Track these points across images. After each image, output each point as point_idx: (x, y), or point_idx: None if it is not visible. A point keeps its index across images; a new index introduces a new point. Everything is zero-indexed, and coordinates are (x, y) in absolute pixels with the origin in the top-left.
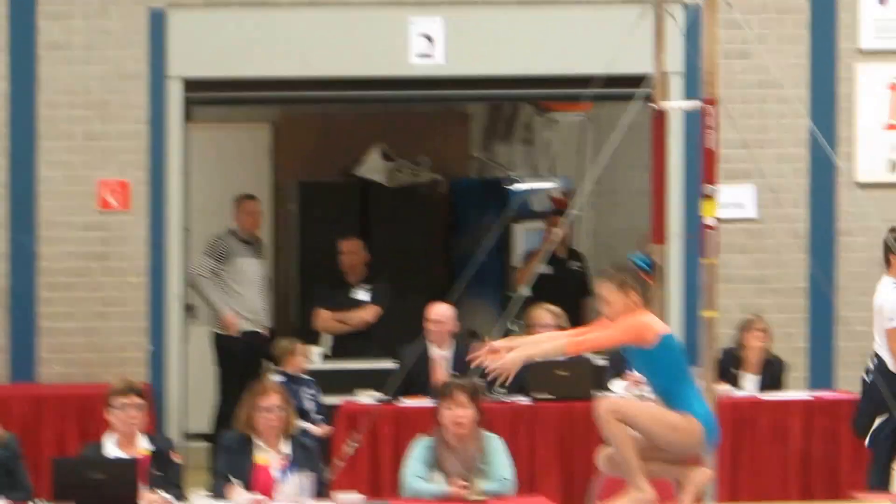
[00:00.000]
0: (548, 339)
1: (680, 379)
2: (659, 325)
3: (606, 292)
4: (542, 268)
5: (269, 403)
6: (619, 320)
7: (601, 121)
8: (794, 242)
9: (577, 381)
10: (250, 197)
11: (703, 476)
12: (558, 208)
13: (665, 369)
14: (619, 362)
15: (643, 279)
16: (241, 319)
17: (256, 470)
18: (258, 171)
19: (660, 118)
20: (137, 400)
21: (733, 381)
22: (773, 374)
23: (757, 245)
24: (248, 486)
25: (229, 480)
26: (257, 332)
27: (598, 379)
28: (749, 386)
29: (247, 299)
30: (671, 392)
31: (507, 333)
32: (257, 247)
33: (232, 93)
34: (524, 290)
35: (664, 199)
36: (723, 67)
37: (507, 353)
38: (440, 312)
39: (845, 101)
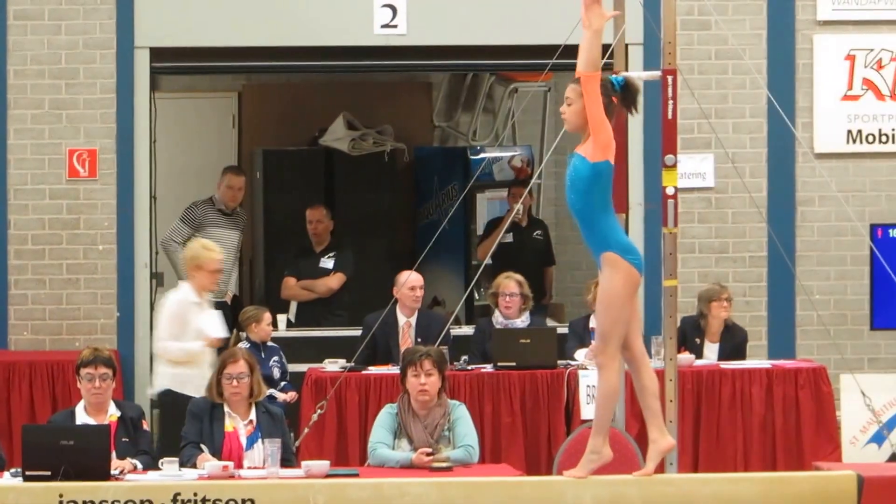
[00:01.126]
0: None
1: (603, 207)
2: (612, 151)
3: (572, 94)
4: (504, 237)
5: (235, 370)
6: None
7: (562, 90)
8: (753, 212)
9: (540, 349)
10: (235, 170)
11: (667, 445)
12: (520, 177)
13: (591, 191)
14: (581, 332)
15: (611, 98)
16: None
17: (225, 437)
18: (224, 139)
19: None
20: (104, 370)
21: (695, 350)
22: (734, 342)
23: (717, 214)
24: (217, 453)
25: (198, 448)
26: (219, 302)
27: (561, 347)
28: (710, 355)
29: None
30: (590, 215)
31: (470, 302)
32: (235, 218)
33: (198, 62)
34: (486, 261)
35: (625, 168)
36: (682, 38)
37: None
38: (414, 280)
39: (803, 72)
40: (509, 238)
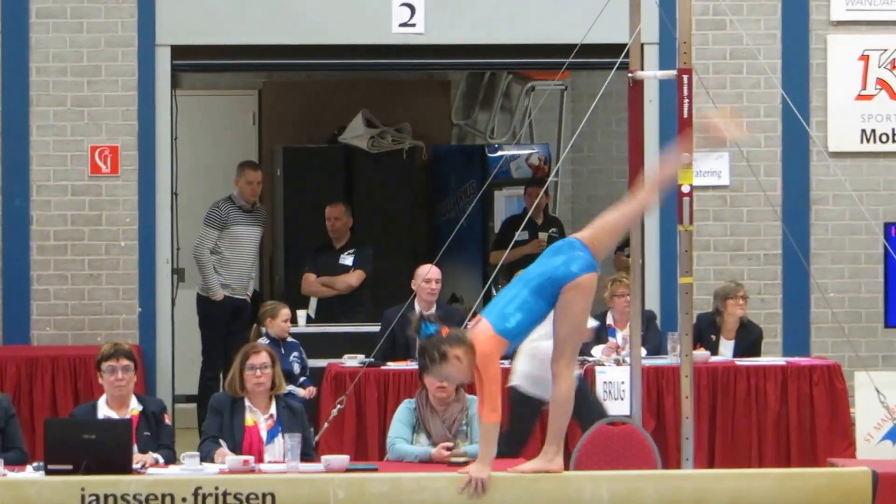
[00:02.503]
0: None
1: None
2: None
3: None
4: (520, 234)
5: (258, 361)
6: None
7: (579, 89)
8: (768, 210)
9: None
10: (252, 165)
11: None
12: (537, 175)
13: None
14: (599, 329)
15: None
16: (227, 288)
17: (245, 431)
18: (244, 136)
19: (636, 87)
20: (126, 362)
21: (711, 347)
22: (749, 339)
23: (731, 212)
24: (238, 447)
25: (218, 442)
26: (241, 298)
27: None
28: (725, 352)
29: (237, 266)
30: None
31: (488, 298)
32: (256, 214)
33: (218, 60)
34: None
35: (641, 166)
36: (697, 37)
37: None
38: (431, 272)
39: (817, 72)
40: (525, 236)
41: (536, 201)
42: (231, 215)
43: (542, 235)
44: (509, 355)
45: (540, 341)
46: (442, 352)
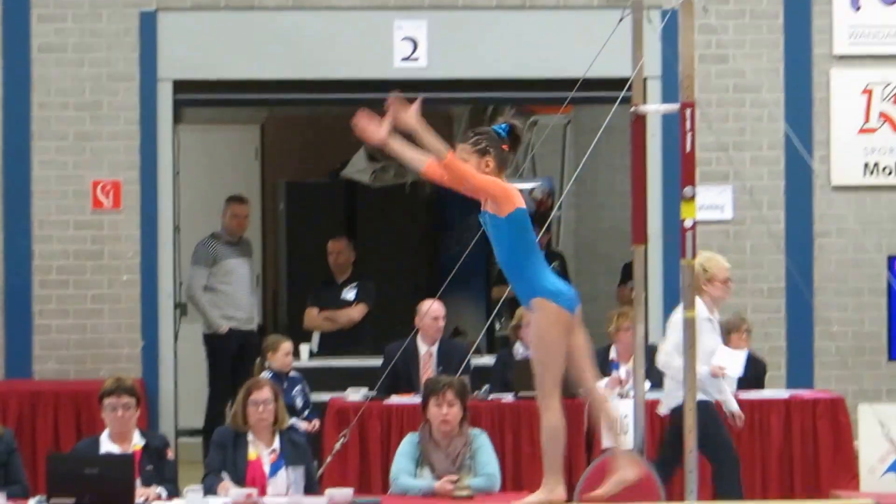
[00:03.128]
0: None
1: (527, 254)
2: (517, 197)
3: (464, 153)
4: None
5: (261, 397)
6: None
7: (582, 123)
8: (771, 243)
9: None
10: (239, 199)
11: (613, 413)
12: (540, 209)
13: (513, 242)
14: (602, 362)
15: (501, 147)
16: (231, 320)
17: (249, 465)
18: (247, 171)
19: (639, 121)
20: (126, 399)
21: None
22: (753, 373)
23: (735, 246)
24: (241, 481)
25: (220, 476)
26: (247, 331)
27: None
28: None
29: (236, 299)
30: (516, 266)
31: (491, 332)
32: (243, 246)
33: (221, 94)
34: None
35: (644, 200)
36: (700, 71)
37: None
38: (437, 309)
39: (820, 105)
40: None
41: (538, 237)
42: (219, 251)
43: None
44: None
45: (672, 357)
46: (478, 142)
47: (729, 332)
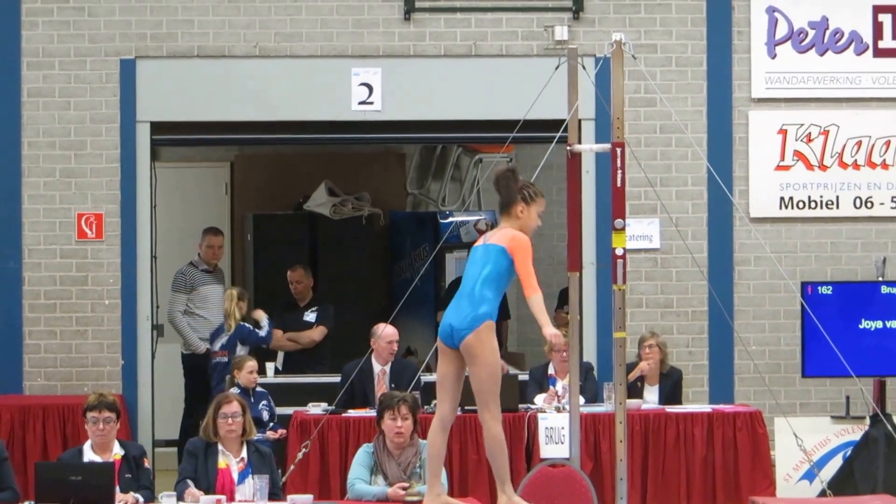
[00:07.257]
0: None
1: (502, 288)
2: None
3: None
4: None
5: (230, 410)
6: (519, 247)
7: (522, 160)
8: (695, 271)
9: (503, 394)
10: (214, 231)
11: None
12: None
13: (503, 279)
14: (540, 378)
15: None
16: (207, 341)
17: (219, 473)
18: (218, 204)
19: (574, 159)
20: (107, 414)
21: (636, 392)
22: (671, 381)
23: (662, 273)
24: (212, 488)
25: (187, 483)
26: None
27: (521, 392)
28: (650, 396)
29: (211, 322)
30: (483, 295)
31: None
32: (217, 274)
33: (194, 135)
34: None
35: (579, 231)
36: (630, 114)
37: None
38: (390, 333)
39: (740, 144)
40: None
41: None
42: (196, 278)
43: None
44: None
45: None
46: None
47: (640, 348)
